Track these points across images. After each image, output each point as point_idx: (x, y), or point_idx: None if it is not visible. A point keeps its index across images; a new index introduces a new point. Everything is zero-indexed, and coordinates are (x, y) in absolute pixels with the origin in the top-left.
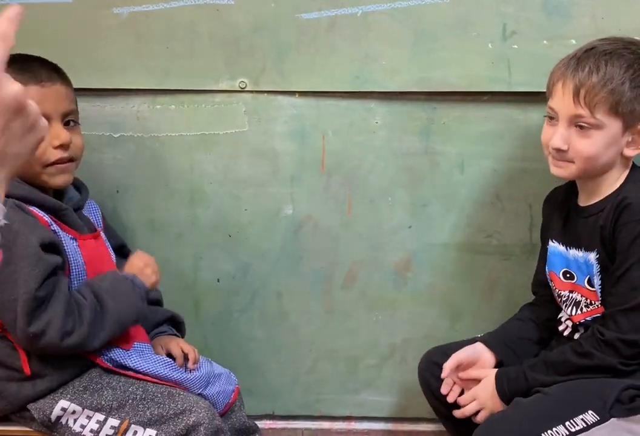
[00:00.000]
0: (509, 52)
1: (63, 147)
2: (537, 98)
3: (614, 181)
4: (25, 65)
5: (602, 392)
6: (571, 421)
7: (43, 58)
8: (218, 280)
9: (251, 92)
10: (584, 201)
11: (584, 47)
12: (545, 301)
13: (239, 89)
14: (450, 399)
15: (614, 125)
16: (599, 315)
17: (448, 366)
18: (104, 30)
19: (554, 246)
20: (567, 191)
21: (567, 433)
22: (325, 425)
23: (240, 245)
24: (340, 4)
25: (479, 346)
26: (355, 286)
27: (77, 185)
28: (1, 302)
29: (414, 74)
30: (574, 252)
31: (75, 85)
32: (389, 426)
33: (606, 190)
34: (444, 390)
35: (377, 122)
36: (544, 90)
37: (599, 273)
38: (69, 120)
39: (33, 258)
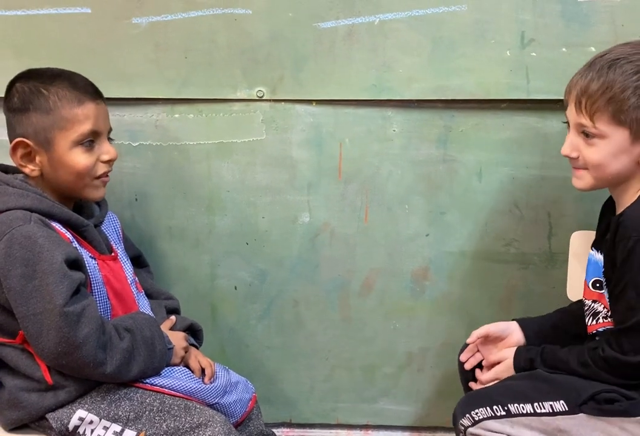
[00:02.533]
0: (527, 60)
1: (110, 162)
2: (556, 106)
3: (634, 192)
4: (76, 83)
5: (581, 387)
6: (539, 403)
7: (83, 76)
8: (235, 288)
9: (269, 100)
10: (617, 211)
11: (600, 52)
12: None
13: (257, 98)
14: (467, 366)
15: (618, 135)
16: (610, 326)
17: (476, 334)
18: (123, 39)
19: (592, 254)
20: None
21: (532, 411)
22: (342, 433)
23: (258, 252)
24: (357, 13)
25: (514, 325)
26: (372, 294)
27: None
28: (25, 315)
29: (432, 82)
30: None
31: None
32: (407, 435)
33: (628, 201)
34: (464, 356)
35: (394, 130)
36: (563, 97)
37: (606, 287)
38: (109, 137)
39: (58, 274)
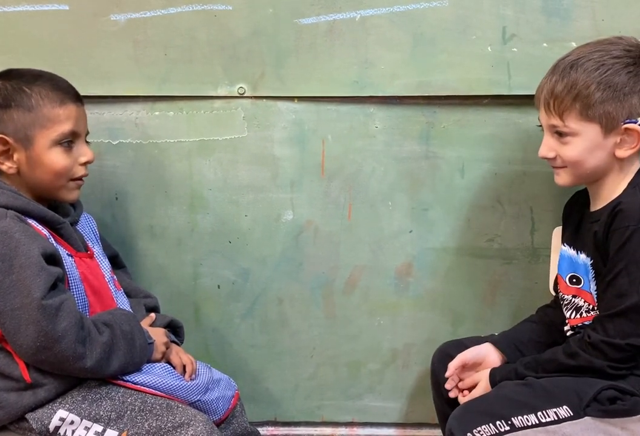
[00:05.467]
0: (508, 55)
1: (87, 164)
2: None
3: (615, 186)
4: (58, 85)
5: (581, 389)
6: (543, 412)
7: (64, 79)
8: (218, 287)
9: (250, 97)
10: (592, 206)
11: (562, 56)
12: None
13: (238, 95)
14: (451, 394)
15: (590, 130)
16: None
17: (453, 365)
18: (102, 37)
19: (565, 250)
20: (585, 195)
21: (537, 422)
22: (328, 431)
23: (241, 251)
24: (338, 9)
25: (487, 347)
26: (356, 291)
27: None
28: (3, 311)
29: (414, 78)
30: (583, 257)
31: None
32: (392, 431)
33: (609, 195)
34: (448, 385)
35: (376, 127)
36: None
37: (594, 279)
38: (86, 140)
39: (35, 267)
